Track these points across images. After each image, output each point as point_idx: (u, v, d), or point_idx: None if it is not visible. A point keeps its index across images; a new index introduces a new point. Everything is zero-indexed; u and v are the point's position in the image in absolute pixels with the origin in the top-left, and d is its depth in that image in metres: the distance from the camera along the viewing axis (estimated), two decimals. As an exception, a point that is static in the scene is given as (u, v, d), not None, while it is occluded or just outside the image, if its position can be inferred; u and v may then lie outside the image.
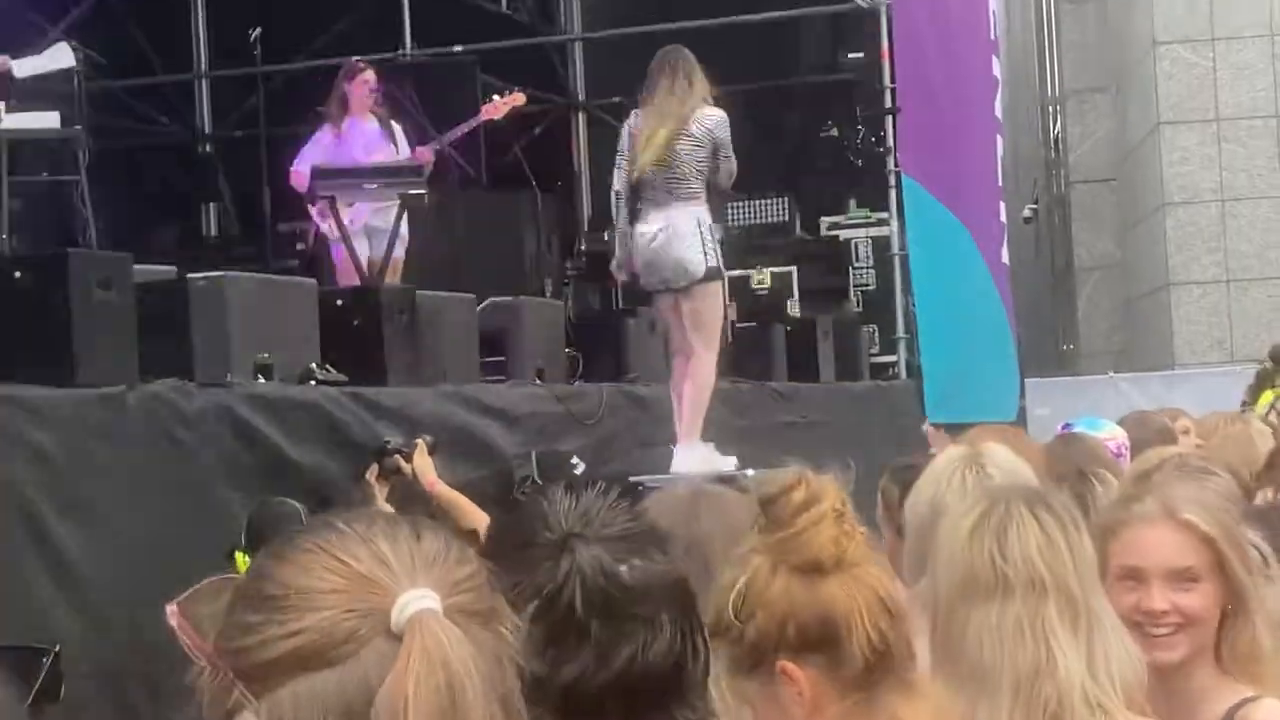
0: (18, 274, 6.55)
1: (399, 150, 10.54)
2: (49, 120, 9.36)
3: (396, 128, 10.76)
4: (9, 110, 8.95)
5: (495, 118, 11.09)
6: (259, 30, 11.77)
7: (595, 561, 1.90)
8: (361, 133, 10.56)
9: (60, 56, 9.55)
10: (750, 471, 8.76)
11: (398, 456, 7.07)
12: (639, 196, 8.81)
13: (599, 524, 1.94)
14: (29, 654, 3.82)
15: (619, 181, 8.97)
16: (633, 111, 9.01)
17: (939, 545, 2.87)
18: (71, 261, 6.61)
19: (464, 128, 11.05)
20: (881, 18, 13.55)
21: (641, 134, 8.80)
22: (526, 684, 1.52)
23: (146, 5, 15.06)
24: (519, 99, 11.04)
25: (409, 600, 1.45)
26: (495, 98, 11.10)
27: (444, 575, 1.49)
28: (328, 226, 10.17)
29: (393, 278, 9.76)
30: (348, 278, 9.87)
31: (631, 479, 8.24)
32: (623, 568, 1.91)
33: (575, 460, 8.20)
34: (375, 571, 1.47)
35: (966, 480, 3.44)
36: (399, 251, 10.02)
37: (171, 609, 1.58)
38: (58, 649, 3.87)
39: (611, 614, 1.89)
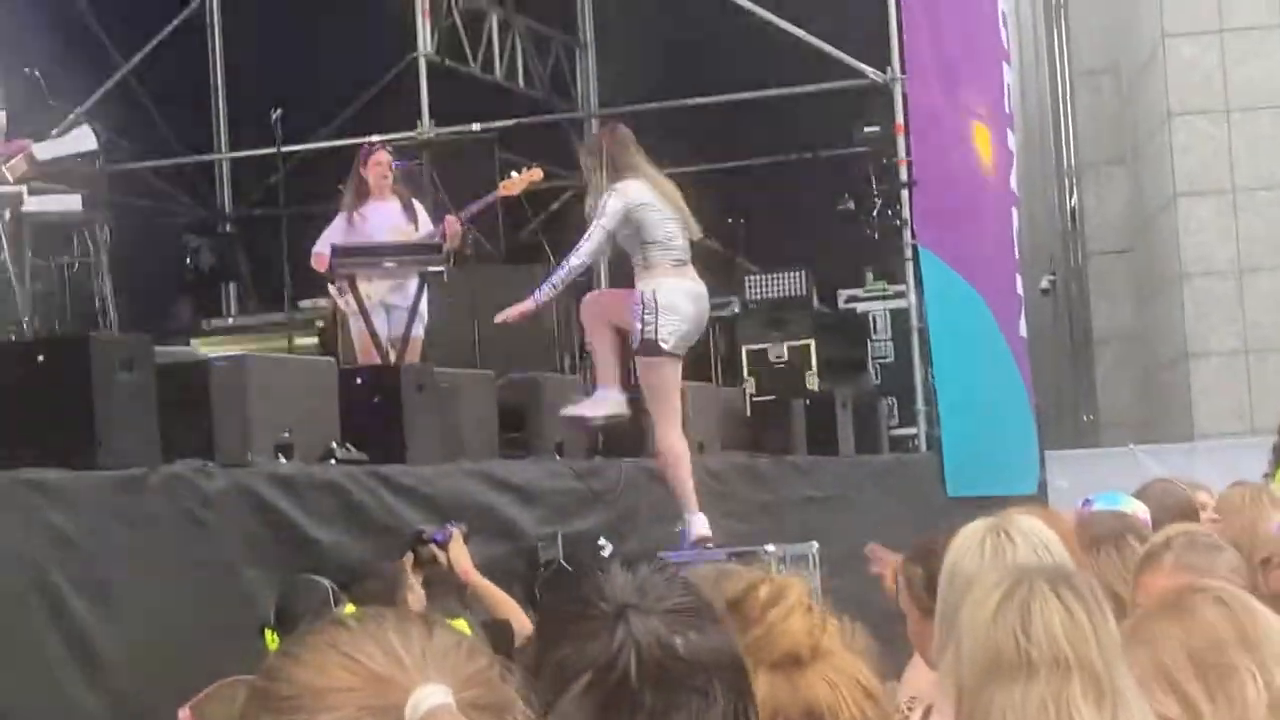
0: (40, 356, 6.57)
1: (420, 228, 10.57)
2: (71, 203, 9.41)
3: (418, 206, 10.80)
4: (31, 193, 9.01)
5: (513, 194, 11.10)
6: (280, 111, 11.83)
7: (650, 633, 1.91)
8: (382, 214, 10.59)
9: (82, 140, 9.61)
10: (770, 547, 8.76)
11: (433, 545, 7.01)
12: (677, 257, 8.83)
13: (653, 597, 1.95)
14: None
15: (590, 256, 8.91)
16: (623, 186, 8.75)
17: (962, 624, 2.86)
18: (93, 344, 6.65)
19: (481, 203, 11.07)
20: (896, 92, 13.61)
21: (668, 202, 8.79)
22: None
23: (167, 86, 15.18)
24: (536, 175, 11.05)
25: (423, 696, 1.44)
26: (513, 174, 11.11)
27: (456, 670, 1.48)
28: (346, 304, 10.20)
29: (412, 357, 9.78)
30: (367, 356, 9.89)
31: (659, 555, 8.26)
32: (678, 639, 1.92)
33: (603, 542, 8.17)
34: (388, 668, 1.47)
35: (986, 547, 3.43)
36: (418, 330, 10.04)
37: (184, 713, 1.58)
38: None
39: (666, 684, 1.90)
